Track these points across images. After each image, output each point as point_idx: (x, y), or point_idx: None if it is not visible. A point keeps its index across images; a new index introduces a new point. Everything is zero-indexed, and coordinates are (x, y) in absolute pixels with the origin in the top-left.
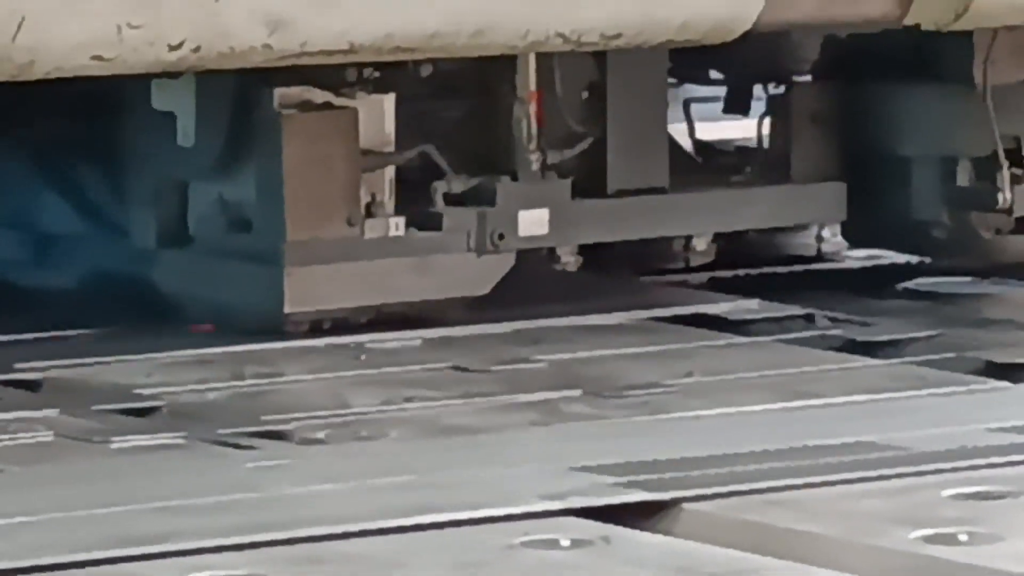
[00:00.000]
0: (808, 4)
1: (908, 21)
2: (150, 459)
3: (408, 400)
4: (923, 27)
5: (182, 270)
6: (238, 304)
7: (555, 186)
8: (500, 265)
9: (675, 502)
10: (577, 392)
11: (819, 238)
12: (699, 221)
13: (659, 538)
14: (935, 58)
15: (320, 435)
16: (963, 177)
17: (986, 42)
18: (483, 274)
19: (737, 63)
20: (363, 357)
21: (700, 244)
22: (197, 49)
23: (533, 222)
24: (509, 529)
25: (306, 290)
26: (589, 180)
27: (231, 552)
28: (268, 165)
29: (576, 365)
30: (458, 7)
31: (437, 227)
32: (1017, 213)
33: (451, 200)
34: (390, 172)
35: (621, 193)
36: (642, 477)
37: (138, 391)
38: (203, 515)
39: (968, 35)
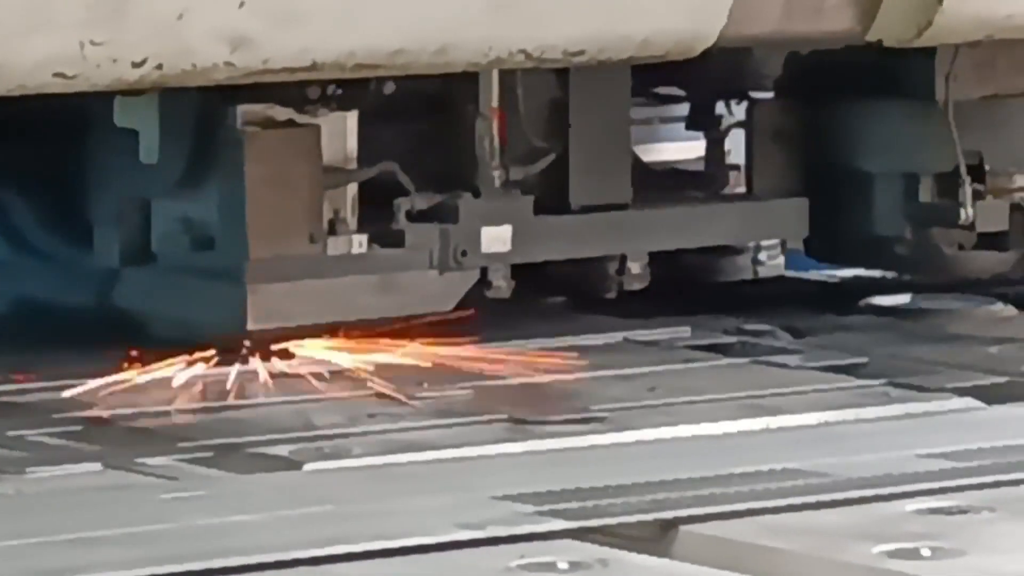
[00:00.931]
0: (770, 20)
1: (870, 37)
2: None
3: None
4: (885, 43)
5: (145, 288)
6: (201, 321)
7: (518, 202)
8: (463, 282)
9: (604, 529)
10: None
11: (755, 261)
12: (662, 237)
13: (656, 560)
14: (897, 74)
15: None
16: (925, 193)
17: (948, 58)
18: (446, 291)
19: (699, 80)
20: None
21: (635, 267)
22: (160, 67)
23: (496, 239)
24: (505, 552)
25: (269, 307)
26: (552, 196)
27: None
28: (230, 183)
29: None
30: (421, 24)
31: (400, 244)
32: (979, 229)
33: (414, 217)
34: (353, 189)
35: (584, 209)
36: (561, 506)
37: (96, 413)
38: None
39: (930, 51)
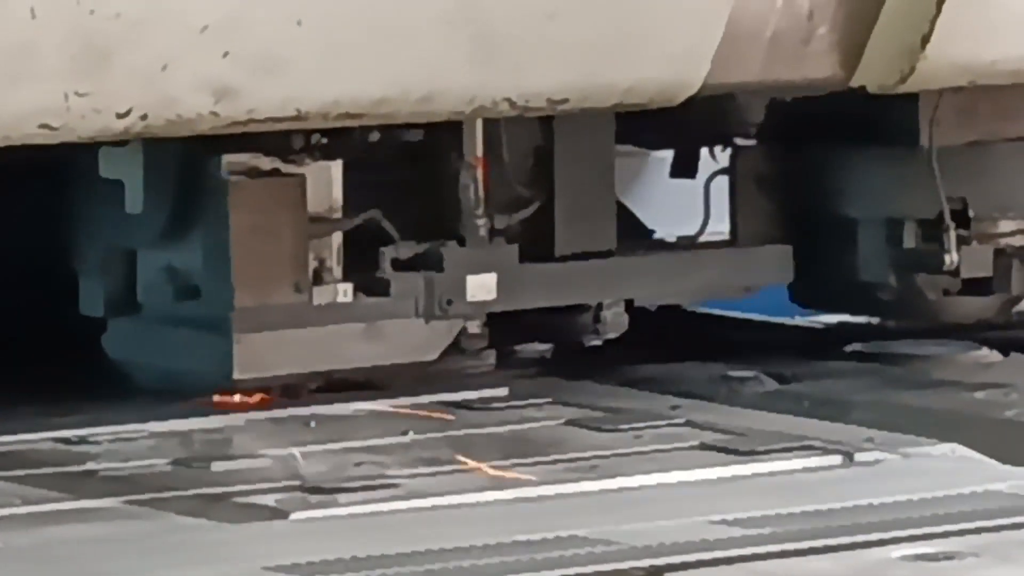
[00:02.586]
0: (753, 67)
1: (854, 83)
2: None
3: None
4: (869, 89)
5: (131, 338)
6: (188, 371)
7: (502, 251)
8: (448, 330)
9: None
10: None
11: (596, 318)
12: (647, 285)
13: None
14: (881, 120)
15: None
16: (910, 239)
17: (931, 104)
18: (431, 339)
19: (682, 127)
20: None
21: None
22: (144, 117)
23: (481, 287)
24: None
25: (255, 356)
26: (537, 244)
27: None
28: (215, 232)
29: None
30: (404, 73)
31: (385, 293)
32: (964, 274)
33: (399, 266)
34: (338, 238)
35: (569, 257)
36: None
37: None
38: None
39: (913, 97)
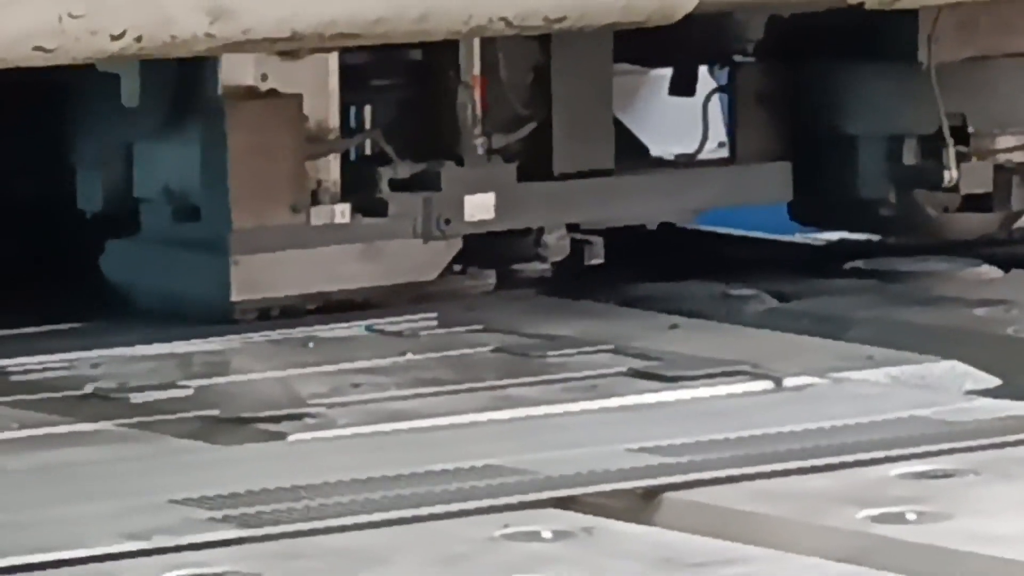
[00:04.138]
0: None
1: (852, 0)
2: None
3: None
4: (867, 6)
5: (129, 259)
6: (185, 293)
7: (500, 170)
8: (447, 250)
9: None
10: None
11: (537, 242)
12: (646, 203)
13: (640, 528)
14: (880, 36)
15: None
16: (909, 155)
17: (930, 20)
18: (430, 259)
19: (680, 45)
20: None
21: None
22: (139, 39)
23: (479, 206)
24: (489, 521)
25: (253, 278)
26: (535, 163)
27: None
28: (213, 152)
29: None
30: None
31: (383, 213)
32: (963, 191)
33: (396, 186)
34: (336, 158)
35: (567, 176)
36: (239, 511)
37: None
38: None
39: (912, 13)
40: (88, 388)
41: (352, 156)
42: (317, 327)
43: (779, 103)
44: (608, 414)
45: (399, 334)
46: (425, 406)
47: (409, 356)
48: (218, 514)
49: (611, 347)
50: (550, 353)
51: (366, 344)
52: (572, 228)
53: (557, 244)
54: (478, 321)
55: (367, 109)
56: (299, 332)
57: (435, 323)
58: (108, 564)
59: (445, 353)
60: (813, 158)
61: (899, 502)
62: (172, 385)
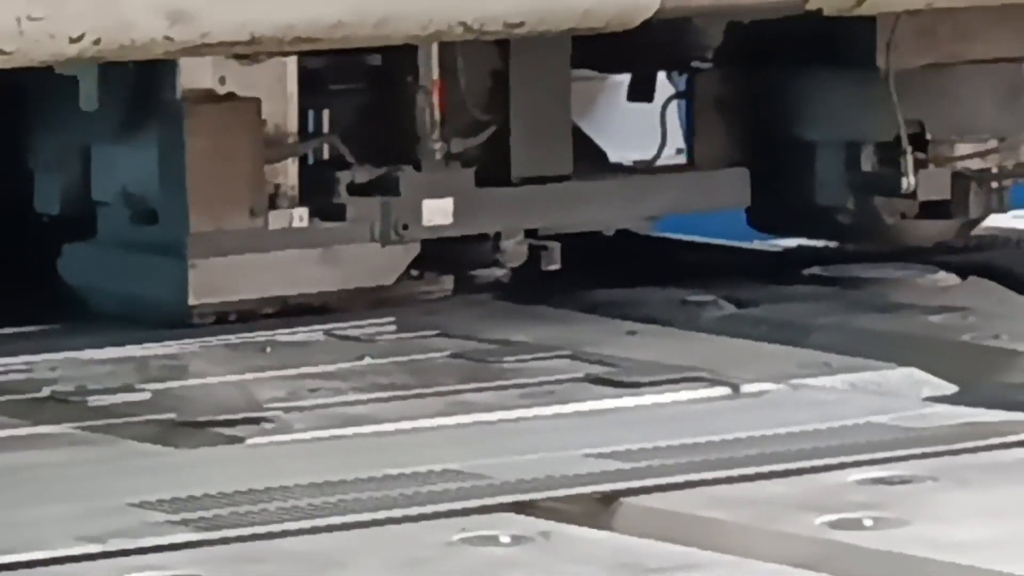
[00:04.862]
0: None
1: (810, 7)
2: None
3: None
4: (826, 12)
5: (87, 263)
6: (143, 296)
7: (459, 175)
8: (405, 255)
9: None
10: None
11: (495, 248)
12: (604, 209)
13: (598, 533)
14: (838, 43)
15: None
16: (867, 162)
17: (889, 27)
18: (388, 264)
19: (639, 51)
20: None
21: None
22: (97, 42)
23: (437, 211)
24: (446, 526)
25: (210, 281)
26: (493, 168)
27: None
28: (171, 156)
29: None
30: None
31: (341, 217)
32: (921, 198)
33: (355, 190)
34: (293, 163)
35: (525, 181)
36: (197, 514)
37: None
38: None
39: (871, 20)
40: (46, 391)
41: (310, 160)
42: (276, 331)
43: (738, 109)
44: (565, 419)
45: (357, 339)
46: (383, 411)
47: (367, 360)
48: (176, 517)
49: (568, 353)
50: (507, 359)
51: (324, 348)
52: (530, 234)
53: (515, 250)
54: (435, 326)
55: (325, 113)
56: (257, 336)
57: (393, 327)
58: (67, 566)
59: (403, 358)
60: (771, 164)
61: (856, 508)
62: (130, 388)
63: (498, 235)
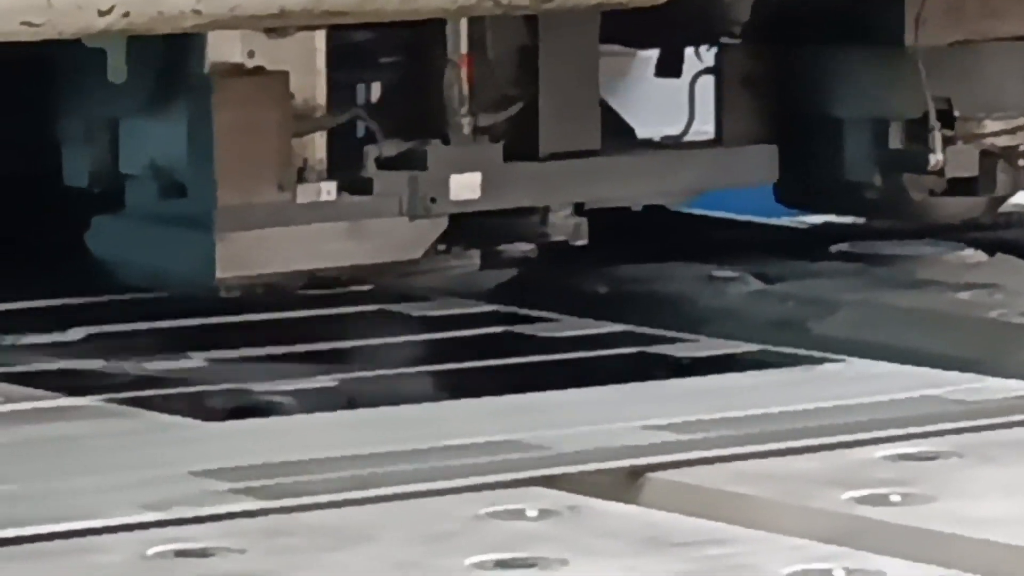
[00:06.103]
0: None
1: None
2: None
3: None
4: None
5: (114, 235)
6: (171, 269)
7: (487, 149)
8: (432, 229)
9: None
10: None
11: (543, 221)
12: (632, 184)
13: (625, 507)
14: (867, 20)
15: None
16: (895, 139)
17: (917, 4)
18: (415, 238)
19: (667, 26)
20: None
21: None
22: (127, 14)
23: (465, 186)
24: (473, 499)
25: (238, 255)
26: (521, 143)
27: None
28: (199, 129)
29: None
30: None
31: (368, 191)
32: (949, 175)
33: (383, 164)
34: (322, 136)
35: (553, 156)
36: (259, 483)
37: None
38: None
39: None
40: (79, 364)
41: (338, 134)
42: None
43: (766, 85)
44: (593, 394)
45: (401, 315)
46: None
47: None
48: (222, 487)
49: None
50: (540, 334)
51: (367, 323)
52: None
53: (563, 223)
54: (475, 299)
55: (357, 88)
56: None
57: (437, 303)
58: (90, 539)
59: (442, 335)
60: (799, 141)
61: (883, 484)
62: (163, 359)
63: (547, 208)
